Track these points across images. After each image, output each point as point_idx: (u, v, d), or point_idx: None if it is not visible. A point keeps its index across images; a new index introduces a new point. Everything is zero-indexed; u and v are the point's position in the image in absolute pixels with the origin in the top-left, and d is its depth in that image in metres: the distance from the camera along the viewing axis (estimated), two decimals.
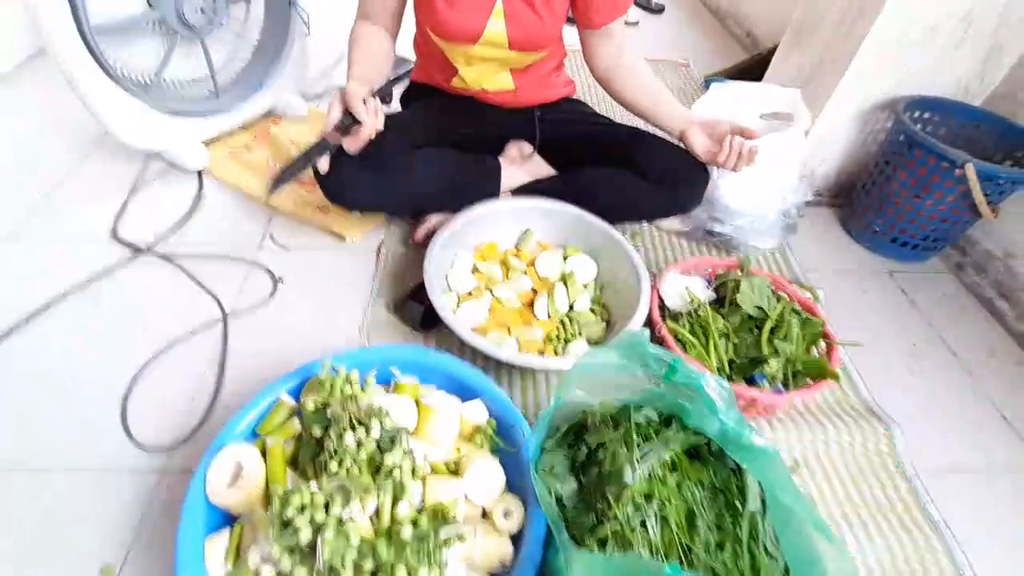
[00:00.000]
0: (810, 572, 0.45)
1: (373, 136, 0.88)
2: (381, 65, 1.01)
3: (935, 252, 1.25)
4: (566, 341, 0.93)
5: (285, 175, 0.87)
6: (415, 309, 0.95)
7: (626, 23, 2.22)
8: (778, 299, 0.93)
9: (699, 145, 1.01)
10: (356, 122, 0.85)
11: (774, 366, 0.84)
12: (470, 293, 0.98)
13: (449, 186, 1.05)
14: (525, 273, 1.02)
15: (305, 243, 1.12)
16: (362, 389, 0.65)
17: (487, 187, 1.11)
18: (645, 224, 1.25)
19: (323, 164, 0.92)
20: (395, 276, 1.06)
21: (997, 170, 1.02)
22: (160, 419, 0.81)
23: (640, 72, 1.05)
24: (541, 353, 0.89)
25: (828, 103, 1.23)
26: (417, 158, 1.02)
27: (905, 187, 1.14)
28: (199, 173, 1.25)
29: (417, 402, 0.69)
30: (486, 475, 0.63)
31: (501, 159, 1.16)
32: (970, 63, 1.17)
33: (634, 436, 0.61)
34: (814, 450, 0.86)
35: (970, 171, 1.02)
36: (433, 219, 1.10)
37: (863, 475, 0.84)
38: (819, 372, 0.84)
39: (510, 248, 1.09)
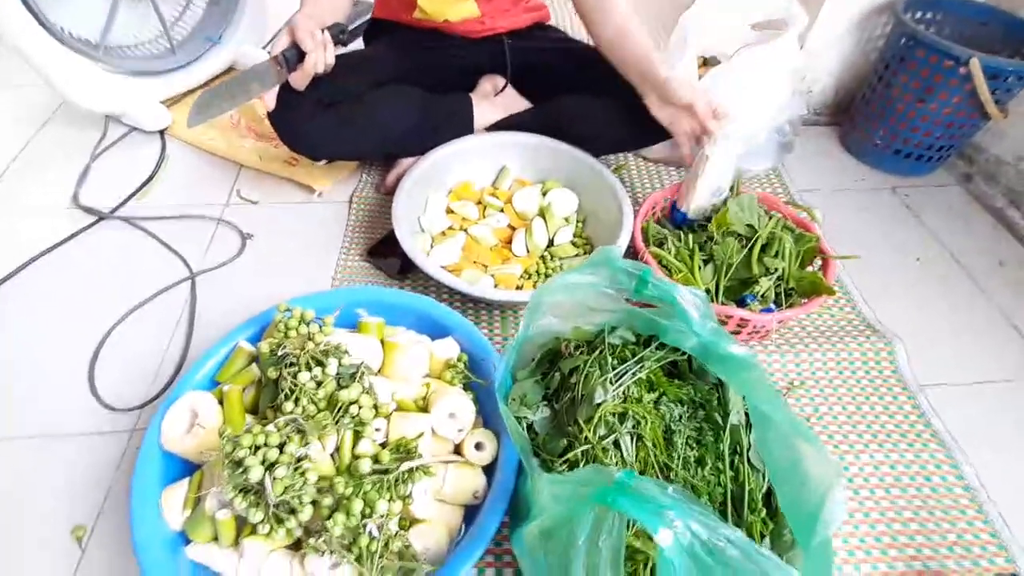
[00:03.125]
0: (791, 476, 0.41)
1: (320, 70, 0.82)
2: (339, 3, 0.95)
3: (941, 162, 1.17)
4: (546, 275, 0.89)
5: (208, 102, 0.79)
6: (388, 257, 0.91)
7: None
8: (770, 217, 0.87)
9: (651, 108, 0.90)
10: (302, 56, 0.79)
11: (764, 285, 0.79)
12: (444, 234, 0.94)
13: (416, 126, 0.99)
14: (502, 211, 0.97)
15: (274, 197, 1.07)
16: (320, 329, 0.61)
17: (458, 125, 1.04)
18: (630, 156, 1.18)
19: (269, 99, 0.85)
20: (369, 225, 1.02)
21: (1004, 64, 0.94)
22: (129, 381, 0.79)
23: (615, 10, 0.91)
24: (519, 289, 0.85)
25: (822, 11, 1.13)
26: (378, 97, 0.96)
27: (907, 92, 1.06)
28: (161, 134, 1.20)
29: (383, 341, 0.65)
30: (455, 409, 0.59)
31: (473, 95, 1.09)
32: None
33: (608, 358, 0.57)
34: (812, 370, 0.82)
35: (975, 67, 0.94)
36: (405, 163, 1.05)
37: (863, 392, 0.80)
38: (813, 288, 0.79)
39: (487, 187, 1.03)
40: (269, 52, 0.80)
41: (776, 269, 0.80)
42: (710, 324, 0.51)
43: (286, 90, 0.86)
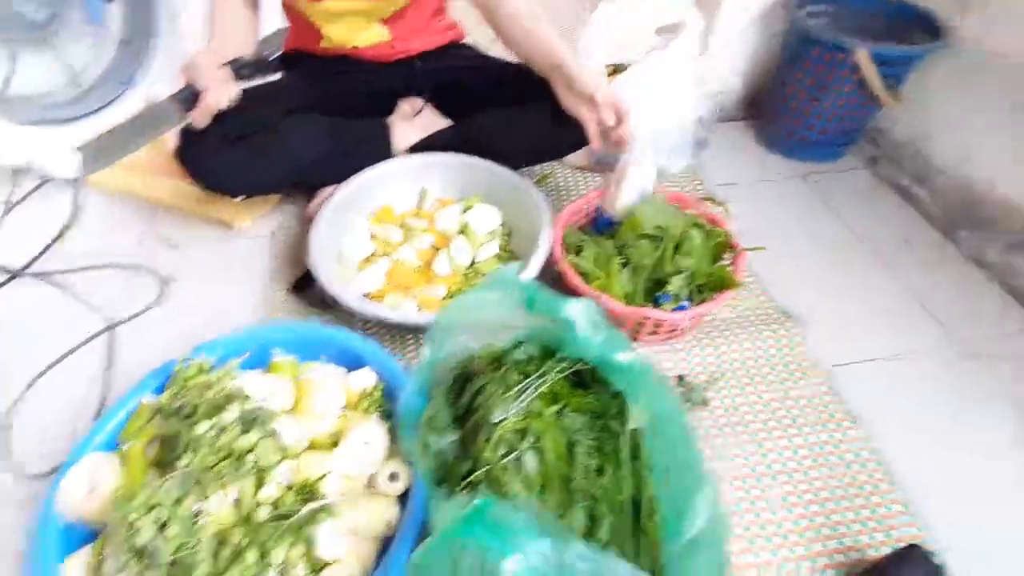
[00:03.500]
0: (673, 478, 0.42)
1: (222, 106, 0.81)
2: (241, 34, 0.94)
3: (847, 147, 1.23)
4: None
5: (103, 147, 0.78)
6: (312, 290, 0.90)
7: None
8: (682, 216, 0.89)
9: (561, 99, 0.91)
10: (197, 95, 0.79)
11: (676, 284, 0.81)
12: (367, 260, 0.93)
13: (329, 153, 0.99)
14: (426, 231, 0.97)
15: (194, 237, 1.05)
16: (220, 378, 0.60)
17: (376, 150, 1.05)
18: (556, 165, 1.20)
19: (172, 137, 0.84)
20: (293, 258, 1.01)
21: (887, 50, 1.00)
22: (43, 445, 0.76)
23: (515, 7, 0.95)
24: None
25: (721, 12, 1.18)
26: (288, 126, 0.96)
27: (805, 85, 1.11)
28: (75, 181, 1.17)
29: (295, 379, 0.65)
30: (366, 442, 0.59)
31: (391, 119, 1.10)
32: None
33: (514, 375, 0.57)
34: (731, 361, 0.85)
35: (862, 56, 0.99)
36: (326, 192, 1.04)
37: (778, 378, 0.83)
38: (722, 283, 0.81)
39: (410, 209, 1.04)
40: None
41: (686, 267, 0.82)
42: (601, 335, 0.53)
43: (189, 128, 0.85)
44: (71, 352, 0.86)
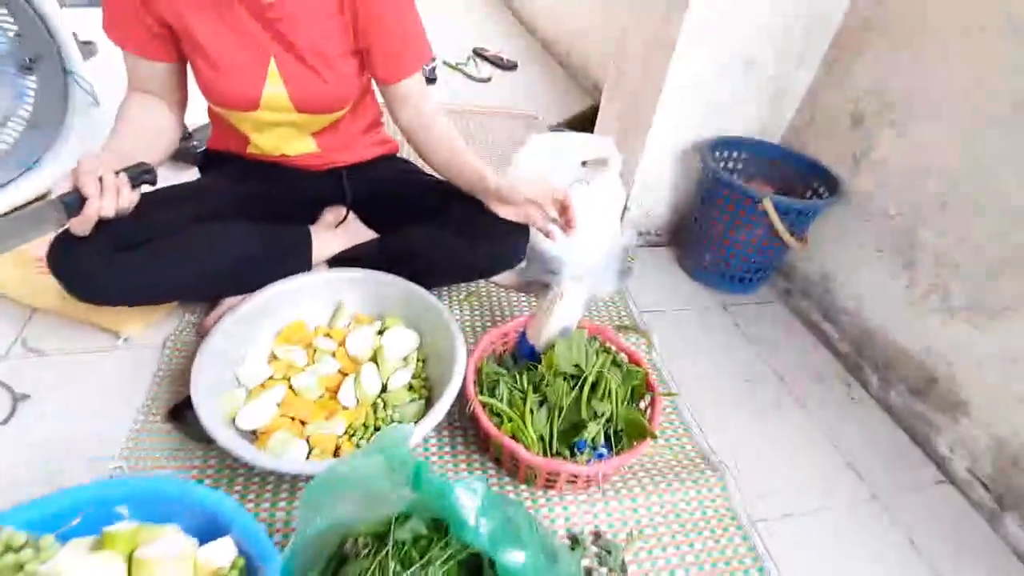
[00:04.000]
0: None
1: (109, 215, 0.74)
2: (149, 140, 0.89)
3: (762, 282, 1.29)
4: (376, 429, 0.82)
5: None
6: (195, 417, 0.80)
7: (476, 80, 2.27)
8: (600, 353, 0.87)
9: (497, 211, 0.95)
10: (82, 201, 0.72)
11: (592, 430, 0.77)
12: (263, 386, 0.84)
13: (242, 263, 0.92)
14: (333, 355, 0.90)
15: (70, 346, 0.93)
16: (36, 556, 0.49)
17: (294, 259, 0.99)
18: (483, 283, 1.18)
19: (36, 246, 0.75)
20: (182, 376, 0.90)
21: (790, 203, 1.07)
22: None
23: (440, 134, 0.98)
24: (337, 451, 0.77)
25: (645, 149, 1.26)
26: (194, 234, 0.89)
27: (721, 223, 1.17)
28: None
29: (131, 557, 0.54)
30: None
31: (314, 227, 1.06)
32: (759, 105, 1.24)
33: (393, 563, 0.50)
34: (650, 516, 0.79)
35: (767, 205, 1.06)
36: (229, 302, 0.96)
37: (700, 534, 0.78)
38: (637, 431, 0.78)
39: (322, 326, 0.97)
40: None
41: (603, 412, 0.79)
42: (489, 524, 0.47)
43: (66, 234, 0.77)
44: None
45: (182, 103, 0.94)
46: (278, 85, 0.87)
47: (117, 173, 0.75)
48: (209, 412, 0.72)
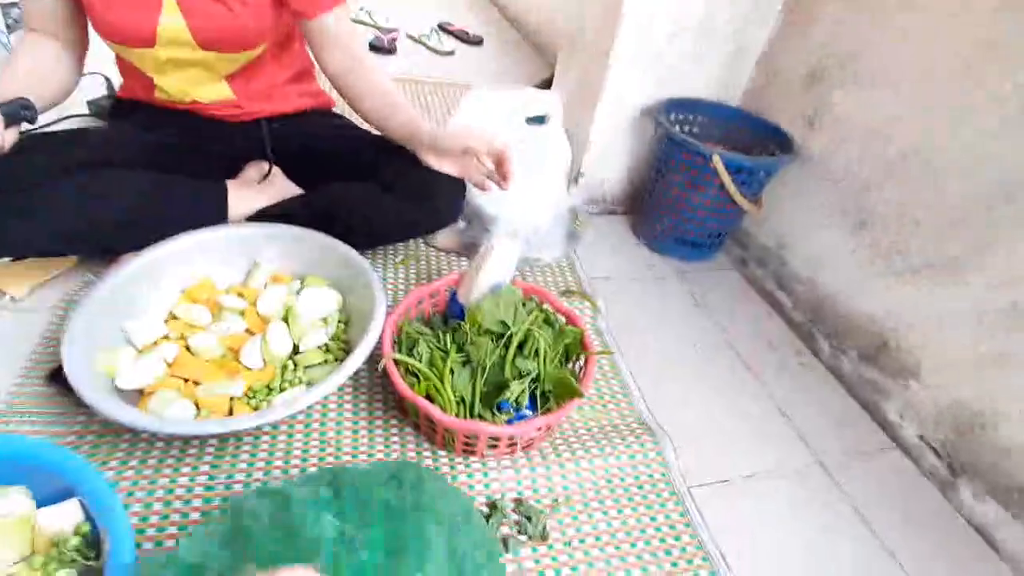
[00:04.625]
0: None
1: None
2: (39, 80, 0.82)
3: (718, 248, 1.24)
4: (281, 390, 0.74)
5: None
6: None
7: (438, 53, 2.19)
8: (532, 312, 0.81)
9: (431, 164, 0.90)
10: None
11: (516, 389, 0.71)
12: (156, 344, 0.76)
13: (139, 215, 0.84)
14: (242, 314, 0.83)
15: None
16: None
17: (205, 214, 0.91)
18: (422, 245, 1.11)
19: None
20: None
21: (740, 159, 1.02)
22: None
23: (369, 80, 0.91)
24: (231, 412, 0.69)
25: (597, 113, 1.20)
26: (88, 181, 0.81)
27: (676, 187, 1.12)
28: None
29: None
30: None
31: (232, 181, 0.98)
32: (717, 67, 1.19)
33: None
34: (580, 482, 0.73)
35: (717, 162, 1.01)
36: (128, 258, 0.88)
37: (631, 501, 0.73)
38: (566, 390, 0.72)
39: (235, 285, 0.89)
40: None
41: (529, 371, 0.73)
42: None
43: None
44: None
45: (78, 45, 0.87)
46: (174, 16, 0.79)
47: None
48: (82, 368, 0.64)
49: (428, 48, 2.22)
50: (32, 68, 0.81)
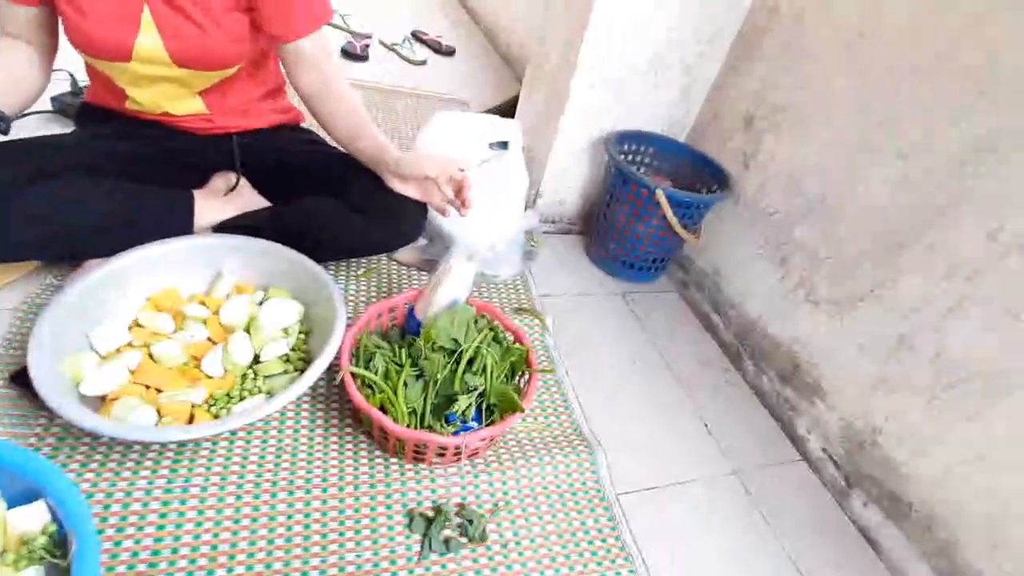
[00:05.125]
0: None
1: None
2: (13, 85, 0.83)
3: (660, 272, 1.34)
4: (241, 399, 0.79)
5: None
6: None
7: (411, 62, 2.23)
8: (482, 330, 0.88)
9: (394, 186, 0.95)
10: None
11: (463, 403, 0.78)
12: (119, 351, 0.79)
13: (105, 222, 0.86)
14: (205, 323, 0.86)
15: None
16: None
17: (172, 223, 0.94)
18: (383, 259, 1.16)
19: None
20: None
21: (680, 195, 1.12)
22: None
23: (344, 103, 0.96)
24: (192, 419, 0.73)
25: (557, 139, 1.28)
26: (55, 188, 0.82)
27: (622, 214, 1.21)
28: None
29: None
30: None
31: (199, 192, 1.01)
32: (667, 104, 1.29)
33: None
34: (519, 488, 0.81)
35: (660, 196, 1.10)
36: (93, 264, 0.90)
37: (564, 507, 0.80)
38: (508, 405, 0.79)
39: (198, 294, 0.92)
40: None
41: (475, 386, 0.79)
42: None
43: None
44: None
45: (50, 49, 0.88)
46: (152, 36, 0.82)
47: None
48: (47, 373, 0.67)
49: (400, 57, 2.26)
50: (6, 75, 0.83)
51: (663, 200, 1.10)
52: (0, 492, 0.56)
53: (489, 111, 1.84)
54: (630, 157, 1.30)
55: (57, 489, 0.55)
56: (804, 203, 1.05)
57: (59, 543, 0.53)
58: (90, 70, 0.94)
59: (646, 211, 1.17)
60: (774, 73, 1.12)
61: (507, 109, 1.81)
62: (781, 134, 1.10)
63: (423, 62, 2.29)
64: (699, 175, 1.27)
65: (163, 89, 0.90)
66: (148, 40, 0.82)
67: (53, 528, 0.53)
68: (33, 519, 0.53)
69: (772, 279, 1.10)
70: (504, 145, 1.12)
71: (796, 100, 1.07)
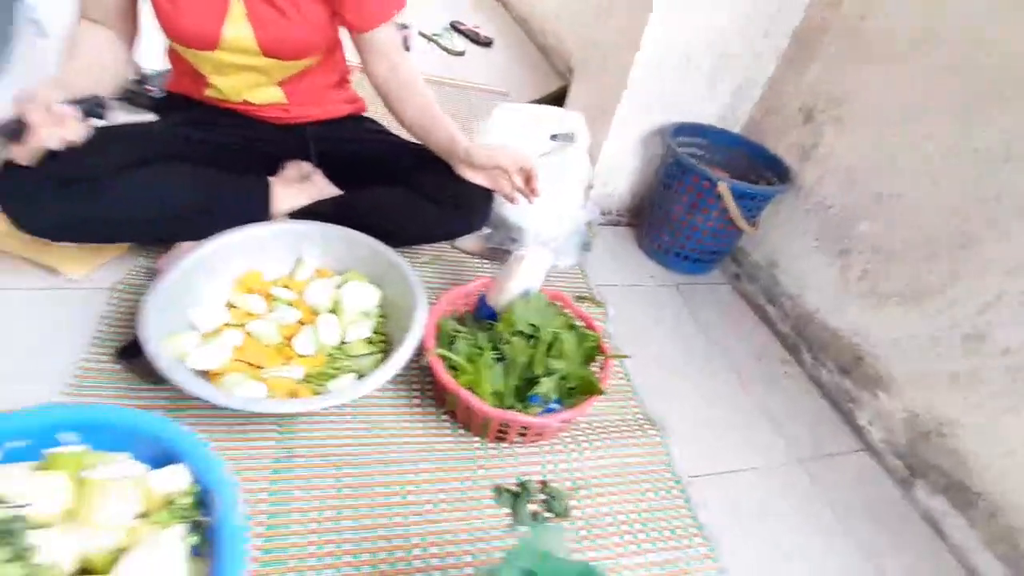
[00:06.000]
0: None
1: (54, 146, 0.71)
2: (103, 70, 0.86)
3: (714, 264, 1.35)
4: (330, 377, 0.82)
5: None
6: (142, 356, 0.78)
7: (450, 53, 2.25)
8: (557, 316, 0.91)
9: (464, 175, 0.98)
10: (26, 127, 0.69)
11: (546, 385, 0.80)
12: (219, 331, 0.83)
13: (196, 208, 0.91)
14: (293, 304, 0.90)
15: (11, 282, 0.89)
16: None
17: (251, 208, 0.98)
18: (447, 247, 1.20)
19: None
20: (131, 318, 0.88)
21: (745, 187, 1.13)
22: None
23: (416, 93, 0.99)
24: (294, 395, 0.77)
25: (611, 130, 1.29)
26: (147, 175, 0.87)
27: (680, 205, 1.22)
28: None
29: (75, 478, 0.53)
30: (148, 563, 0.49)
31: (275, 179, 1.04)
32: (723, 95, 1.30)
33: None
34: (596, 468, 0.84)
35: (723, 189, 1.11)
36: (184, 247, 0.94)
37: (640, 488, 0.83)
38: (588, 388, 0.82)
39: (281, 277, 0.96)
40: None
41: (558, 369, 0.82)
42: None
43: (10, 163, 0.74)
44: None
45: (132, 35, 0.91)
46: (241, 25, 0.85)
47: (70, 104, 0.73)
48: (158, 351, 0.71)
49: (440, 47, 2.28)
50: (94, 62, 0.85)
51: (726, 193, 1.11)
52: (136, 458, 0.60)
53: (533, 102, 1.86)
54: (684, 149, 1.32)
55: (195, 453, 0.59)
56: (869, 197, 1.06)
57: (199, 503, 0.57)
58: (174, 57, 0.97)
59: (705, 203, 1.18)
60: (836, 67, 1.12)
61: (551, 100, 1.82)
62: (843, 128, 1.11)
63: (462, 53, 2.31)
64: (754, 167, 1.28)
65: (245, 77, 0.93)
66: (237, 29, 0.85)
67: (195, 488, 0.57)
68: (176, 480, 0.57)
69: (831, 271, 1.12)
70: (568, 137, 1.14)
71: (861, 95, 1.07)
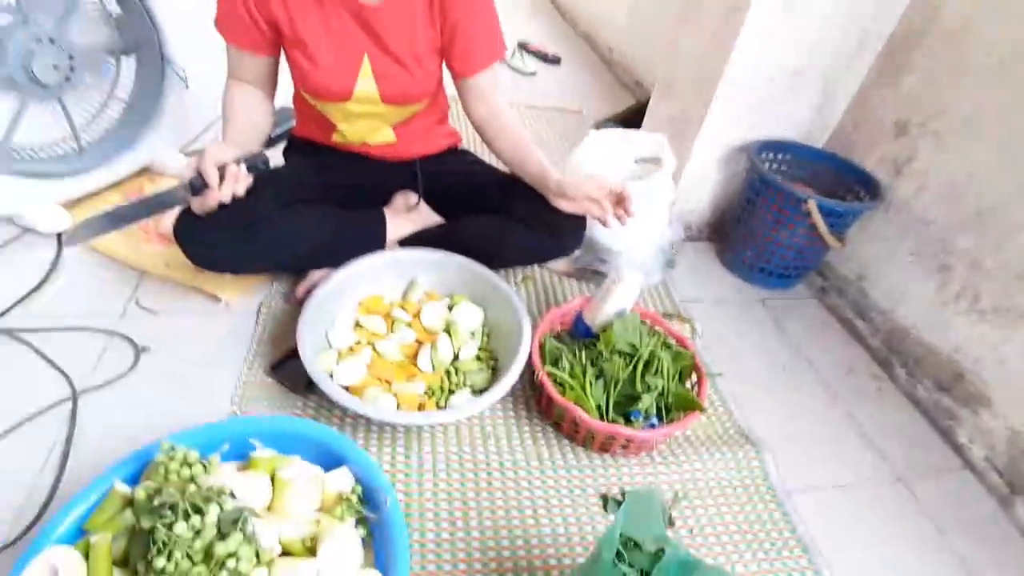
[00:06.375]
0: None
1: (226, 201, 0.85)
2: (256, 127, 1.01)
3: (799, 279, 1.36)
4: (450, 392, 0.92)
5: (100, 223, 0.83)
6: (293, 372, 0.91)
7: (522, 74, 2.34)
8: (652, 335, 0.97)
9: (556, 204, 1.03)
10: (206, 185, 0.83)
11: (647, 401, 0.87)
12: (351, 349, 0.96)
13: (328, 242, 1.04)
14: (409, 325, 1.01)
15: (177, 307, 1.05)
16: (205, 469, 0.61)
17: (372, 239, 1.10)
18: (537, 269, 1.28)
19: (167, 219, 0.88)
20: (276, 337, 1.02)
21: (834, 204, 1.14)
22: None
23: (509, 131, 1.07)
24: (421, 407, 0.88)
25: (694, 148, 1.33)
26: (290, 216, 1.00)
27: (764, 222, 1.25)
28: (59, 237, 1.16)
29: (273, 477, 0.65)
30: (341, 551, 0.60)
31: (387, 210, 1.16)
32: (807, 110, 1.31)
33: None
34: (693, 480, 0.89)
35: (812, 206, 1.13)
36: (316, 275, 1.08)
37: (738, 500, 0.87)
38: (687, 404, 0.87)
39: (397, 300, 1.08)
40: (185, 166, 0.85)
41: (656, 386, 0.88)
42: None
43: (189, 211, 0.89)
44: (32, 417, 0.83)
45: (274, 92, 1.05)
46: (369, 80, 0.97)
47: (237, 163, 0.86)
48: (314, 370, 0.83)
49: (512, 68, 2.37)
50: (251, 117, 1.00)
51: (815, 211, 1.13)
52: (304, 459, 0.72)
53: (609, 120, 1.92)
54: (768, 165, 1.34)
55: (357, 457, 0.70)
56: (963, 214, 1.05)
57: (364, 500, 0.68)
58: (301, 106, 1.11)
59: (791, 220, 1.20)
60: (934, 78, 1.11)
61: (627, 118, 1.88)
62: (941, 141, 1.10)
63: (533, 73, 2.39)
64: (841, 181, 1.28)
65: (367, 123, 1.06)
66: (366, 83, 0.97)
67: (359, 488, 0.68)
68: (343, 481, 0.68)
69: (928, 287, 1.11)
70: (655, 161, 1.20)
71: (960, 107, 1.06)
